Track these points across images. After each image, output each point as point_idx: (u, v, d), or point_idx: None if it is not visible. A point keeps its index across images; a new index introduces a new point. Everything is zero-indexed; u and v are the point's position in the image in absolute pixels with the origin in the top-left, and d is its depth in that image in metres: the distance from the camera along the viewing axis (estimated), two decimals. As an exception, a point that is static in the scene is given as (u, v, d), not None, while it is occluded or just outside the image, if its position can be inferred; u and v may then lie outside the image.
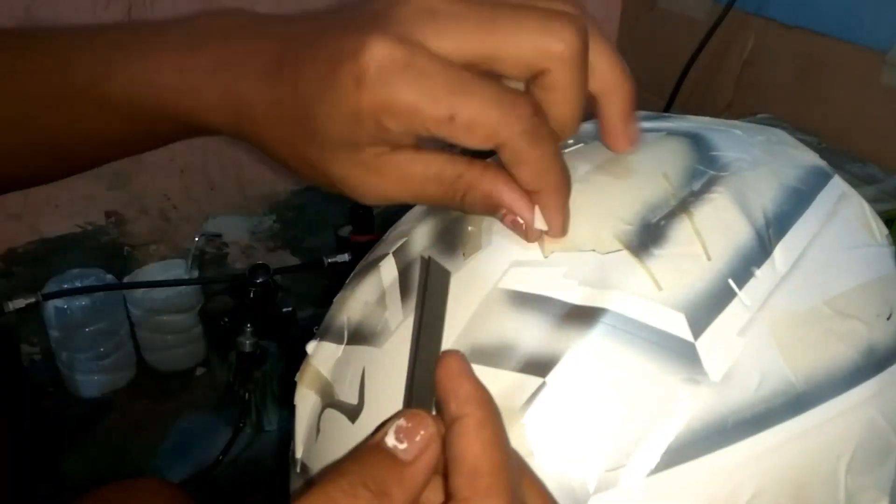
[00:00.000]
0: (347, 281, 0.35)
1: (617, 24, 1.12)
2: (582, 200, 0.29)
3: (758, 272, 0.27)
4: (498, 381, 0.26)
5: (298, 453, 0.33)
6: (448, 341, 0.27)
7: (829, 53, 0.78)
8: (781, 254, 0.28)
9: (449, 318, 0.27)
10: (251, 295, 0.88)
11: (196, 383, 1.05)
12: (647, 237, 0.27)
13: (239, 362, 0.90)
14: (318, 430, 0.31)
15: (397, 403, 0.28)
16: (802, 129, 0.76)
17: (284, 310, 0.93)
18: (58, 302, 0.93)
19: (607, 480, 0.25)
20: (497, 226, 0.29)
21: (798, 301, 0.27)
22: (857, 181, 0.64)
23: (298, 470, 0.34)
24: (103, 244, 1.01)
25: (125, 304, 1.01)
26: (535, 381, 0.26)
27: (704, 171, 0.30)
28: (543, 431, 0.26)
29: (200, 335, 1.05)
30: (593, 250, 0.27)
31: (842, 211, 0.31)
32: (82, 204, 0.98)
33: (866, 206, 0.32)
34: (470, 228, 0.30)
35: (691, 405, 0.25)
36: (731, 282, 0.27)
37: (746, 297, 0.27)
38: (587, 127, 0.34)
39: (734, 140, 0.33)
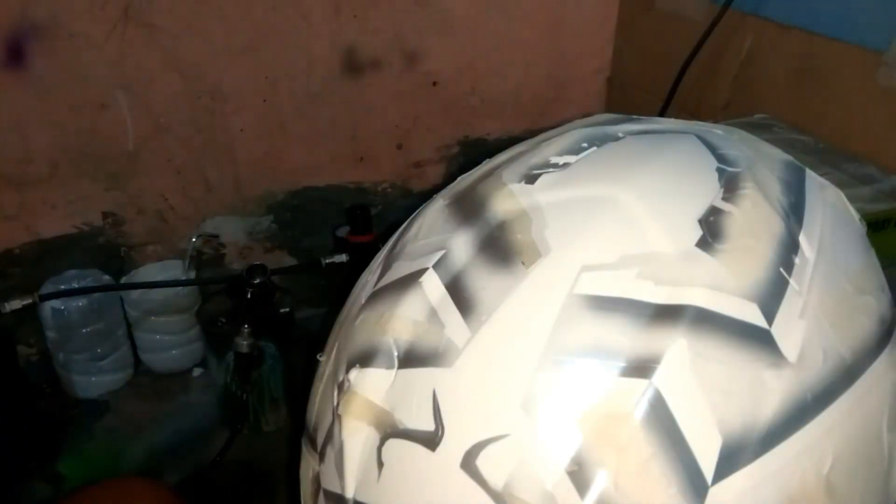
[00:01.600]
0: (367, 300, 0.33)
1: (614, 25, 1.12)
2: (640, 198, 0.30)
3: (797, 260, 0.30)
4: (601, 386, 0.27)
5: (350, 492, 0.31)
6: (535, 351, 0.27)
7: (826, 53, 0.78)
8: (805, 241, 0.31)
9: (528, 328, 0.28)
10: (248, 295, 0.88)
11: (194, 384, 1.05)
12: (705, 233, 0.29)
13: (236, 363, 0.90)
14: (380, 464, 0.30)
15: (482, 424, 0.27)
16: (799, 128, 0.76)
17: (282, 310, 0.92)
18: (55, 303, 0.93)
19: (722, 470, 0.26)
20: (548, 231, 0.30)
21: (829, 283, 0.30)
22: (854, 181, 0.64)
23: None
24: (100, 245, 1.01)
25: (122, 304, 1.01)
26: (640, 383, 0.26)
27: (724, 168, 0.32)
28: (658, 432, 0.26)
29: (198, 336, 1.05)
30: (667, 249, 0.29)
31: (829, 199, 0.34)
32: (79, 205, 0.97)
33: (841, 193, 0.35)
34: (519, 237, 0.30)
35: (778, 388, 0.27)
36: (782, 270, 0.29)
37: (795, 282, 0.29)
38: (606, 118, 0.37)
39: (723, 139, 0.35)
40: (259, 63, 0.97)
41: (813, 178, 0.35)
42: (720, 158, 0.33)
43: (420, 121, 1.10)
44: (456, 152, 1.14)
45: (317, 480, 0.34)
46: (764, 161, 0.34)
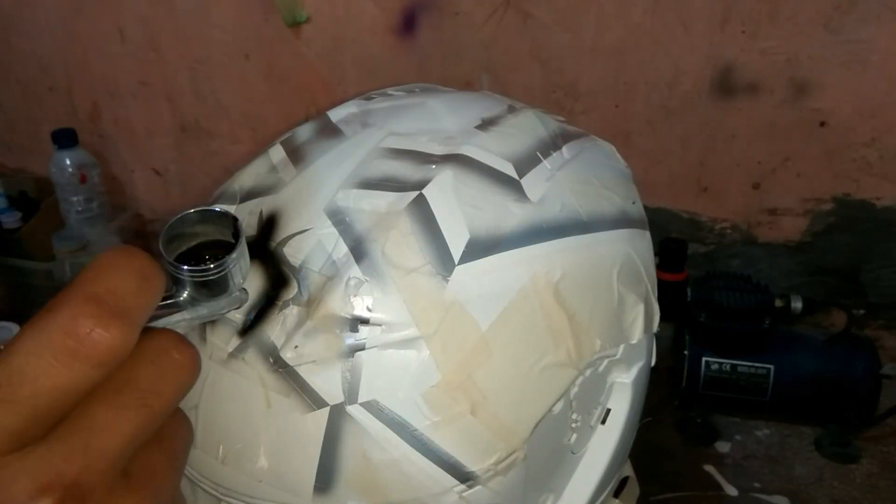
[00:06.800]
0: (232, 177, 0.43)
1: None
2: (441, 103, 0.43)
3: (553, 153, 0.41)
4: (384, 198, 0.36)
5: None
6: (338, 181, 0.36)
7: None
8: (567, 150, 0.42)
9: (338, 166, 0.38)
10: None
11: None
12: (486, 125, 0.41)
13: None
14: None
15: (292, 224, 0.35)
16: None
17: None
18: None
19: (468, 255, 0.35)
20: (371, 118, 0.42)
21: (579, 173, 0.41)
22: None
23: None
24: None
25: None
26: (413, 194, 0.35)
27: (514, 106, 0.46)
28: (418, 219, 0.35)
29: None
30: (453, 128, 0.41)
31: (600, 144, 0.47)
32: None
33: (614, 148, 0.48)
34: (348, 124, 0.42)
35: (520, 213, 0.37)
36: (538, 153, 0.41)
37: (548, 163, 0.40)
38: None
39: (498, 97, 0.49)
40: (621, 67, 0.93)
41: (595, 138, 0.47)
42: (512, 105, 0.46)
43: (791, 163, 0.93)
44: (828, 210, 0.95)
45: None
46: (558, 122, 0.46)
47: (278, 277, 0.35)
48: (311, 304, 0.33)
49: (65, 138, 1.09)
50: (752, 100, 0.90)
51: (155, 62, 1.14)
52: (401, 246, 0.34)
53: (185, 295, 0.24)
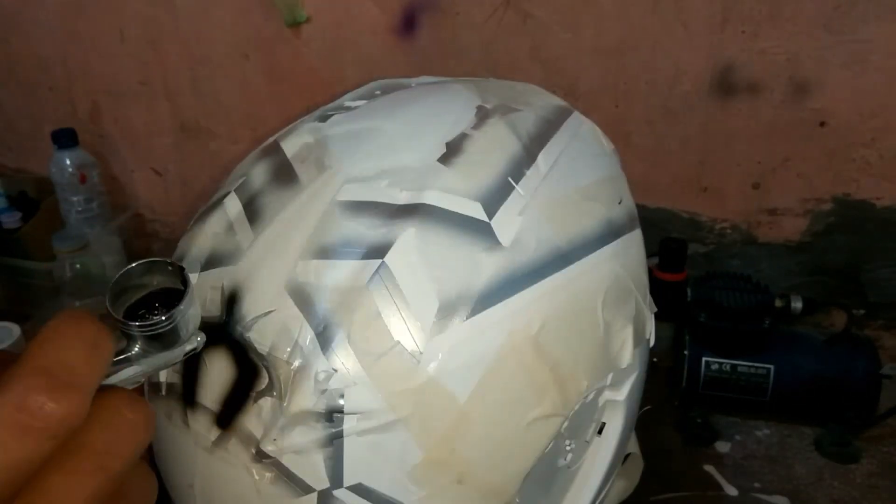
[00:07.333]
0: (190, 226, 0.41)
1: None
2: (402, 127, 0.40)
3: (528, 172, 0.38)
4: (345, 269, 0.34)
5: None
6: (297, 248, 0.35)
7: None
8: (543, 159, 0.39)
9: (295, 229, 0.36)
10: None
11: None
12: (450, 153, 0.38)
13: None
14: None
15: (254, 305, 0.34)
16: None
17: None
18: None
19: (439, 327, 0.33)
20: (327, 156, 0.39)
21: (557, 190, 0.39)
22: None
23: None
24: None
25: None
26: (375, 263, 0.34)
27: (483, 106, 0.42)
28: (383, 296, 0.33)
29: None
30: (414, 164, 0.37)
31: (581, 131, 0.44)
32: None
33: (597, 129, 0.46)
34: (303, 162, 0.39)
35: (492, 265, 0.35)
36: (509, 179, 0.38)
37: (521, 189, 0.37)
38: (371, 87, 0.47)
39: (499, 87, 0.46)
40: (621, 67, 0.93)
41: (576, 118, 0.45)
42: (483, 99, 0.42)
43: (791, 163, 0.93)
44: (827, 210, 0.95)
45: None
46: (530, 104, 0.43)
47: (248, 366, 0.34)
48: (283, 398, 0.33)
49: (65, 138, 1.09)
50: (752, 100, 0.90)
51: (155, 62, 1.14)
52: (368, 329, 0.33)
53: (136, 349, 0.24)
